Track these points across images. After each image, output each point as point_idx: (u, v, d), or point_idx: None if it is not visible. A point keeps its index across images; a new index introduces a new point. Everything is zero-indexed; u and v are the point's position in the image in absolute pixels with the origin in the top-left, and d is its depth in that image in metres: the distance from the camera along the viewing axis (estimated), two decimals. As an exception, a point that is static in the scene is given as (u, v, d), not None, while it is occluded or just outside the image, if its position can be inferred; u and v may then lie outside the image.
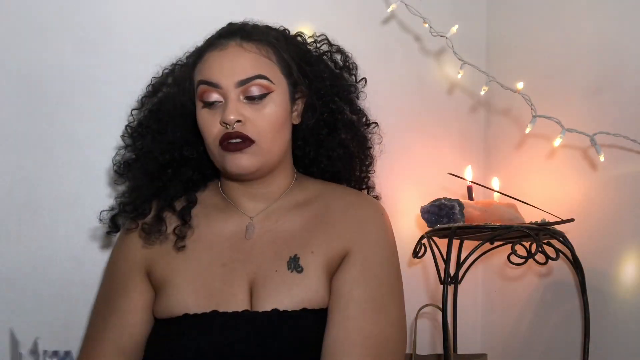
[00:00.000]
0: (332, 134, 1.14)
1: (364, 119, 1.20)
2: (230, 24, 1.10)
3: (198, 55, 1.08)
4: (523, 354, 1.42)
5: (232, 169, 1.01)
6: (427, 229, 1.31)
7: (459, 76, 1.36)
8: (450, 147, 1.56)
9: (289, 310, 0.97)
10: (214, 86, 1.01)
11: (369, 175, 1.22)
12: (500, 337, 1.49)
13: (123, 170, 1.14)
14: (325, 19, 1.41)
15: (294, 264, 1.02)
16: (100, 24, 1.25)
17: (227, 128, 0.99)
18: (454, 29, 1.36)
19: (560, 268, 1.33)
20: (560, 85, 1.38)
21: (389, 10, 1.43)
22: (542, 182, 1.40)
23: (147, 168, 1.10)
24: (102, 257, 1.20)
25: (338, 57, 1.19)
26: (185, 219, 1.07)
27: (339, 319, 0.97)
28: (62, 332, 1.16)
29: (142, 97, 1.16)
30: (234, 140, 0.99)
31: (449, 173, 1.38)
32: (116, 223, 1.09)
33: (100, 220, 1.11)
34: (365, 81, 1.20)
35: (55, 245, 1.18)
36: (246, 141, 0.99)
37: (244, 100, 1.01)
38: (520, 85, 1.29)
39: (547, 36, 1.44)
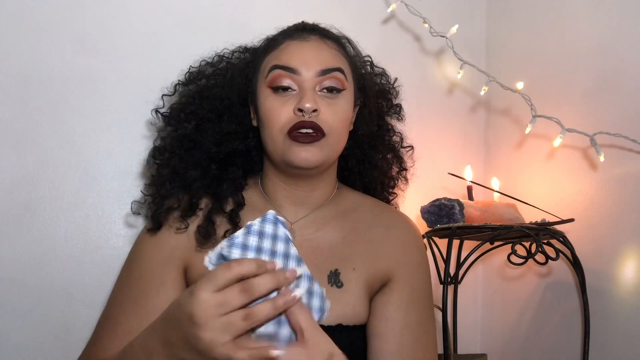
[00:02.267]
0: (376, 149, 1.16)
1: (402, 142, 1.22)
2: (303, 22, 1.10)
3: (271, 43, 1.05)
4: (523, 354, 1.42)
5: (298, 161, 0.97)
6: (427, 229, 1.31)
7: (459, 76, 1.36)
8: (450, 147, 1.56)
9: (325, 325, 0.91)
10: (292, 72, 0.99)
11: (396, 194, 1.23)
12: (500, 337, 1.49)
13: (161, 157, 1.08)
14: (326, 19, 1.41)
15: (335, 279, 1.00)
16: (100, 24, 1.25)
17: (302, 116, 0.96)
18: (454, 29, 1.36)
19: (560, 268, 1.33)
20: (560, 85, 1.38)
21: (389, 10, 1.43)
22: (542, 182, 1.40)
23: (196, 159, 1.05)
24: (102, 257, 1.20)
25: (379, 79, 1.19)
26: (236, 222, 1.02)
27: (396, 346, 0.95)
28: (63, 332, 1.16)
29: (176, 84, 1.14)
30: (305, 131, 0.96)
31: (449, 173, 1.38)
32: (159, 220, 1.02)
33: (133, 212, 1.11)
34: (401, 107, 1.22)
35: (55, 245, 1.18)
36: (318, 133, 0.97)
37: (319, 92, 0.99)
38: (520, 85, 1.29)
39: (547, 36, 1.44)
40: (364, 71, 1.14)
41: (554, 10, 1.43)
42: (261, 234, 0.76)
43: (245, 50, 1.15)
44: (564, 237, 1.24)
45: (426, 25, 1.37)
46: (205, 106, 1.08)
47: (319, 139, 0.97)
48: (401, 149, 1.22)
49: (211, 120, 1.07)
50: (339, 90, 1.00)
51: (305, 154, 0.96)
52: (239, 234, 0.75)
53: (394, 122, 1.22)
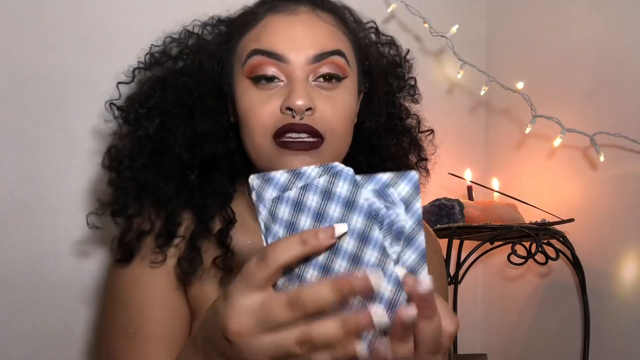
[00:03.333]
0: (387, 141, 0.94)
1: (419, 125, 0.99)
2: None
3: (249, 18, 0.82)
4: (523, 354, 1.42)
5: None
6: (427, 229, 1.31)
7: (459, 76, 1.36)
8: (450, 147, 1.56)
9: None
10: (278, 59, 0.76)
11: None
12: (500, 337, 1.49)
13: (119, 167, 0.83)
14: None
15: None
16: (100, 24, 1.25)
17: (292, 117, 0.74)
18: (454, 29, 1.36)
19: (560, 268, 1.33)
20: (560, 85, 1.38)
21: (389, 10, 1.43)
22: (542, 182, 1.40)
23: (166, 169, 0.82)
24: (102, 257, 1.20)
25: (387, 49, 0.95)
26: (227, 244, 0.80)
27: None
28: (63, 332, 1.16)
29: (134, 69, 0.90)
30: (296, 135, 0.75)
31: (449, 173, 1.38)
32: (130, 249, 0.79)
33: (90, 226, 0.87)
34: (416, 84, 0.99)
35: (55, 245, 1.18)
36: (315, 138, 0.75)
37: (313, 83, 0.78)
38: (520, 85, 1.29)
39: (547, 36, 1.44)
40: (367, 41, 0.91)
41: (554, 10, 1.43)
42: (324, 193, 0.49)
43: (219, 22, 0.92)
44: (564, 237, 1.24)
45: (426, 25, 1.37)
46: (170, 99, 0.84)
47: (316, 146, 0.76)
48: (419, 134, 0.98)
49: (179, 117, 0.83)
50: (339, 79, 0.78)
51: (300, 165, 0.68)
52: (284, 175, 0.52)
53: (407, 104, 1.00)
